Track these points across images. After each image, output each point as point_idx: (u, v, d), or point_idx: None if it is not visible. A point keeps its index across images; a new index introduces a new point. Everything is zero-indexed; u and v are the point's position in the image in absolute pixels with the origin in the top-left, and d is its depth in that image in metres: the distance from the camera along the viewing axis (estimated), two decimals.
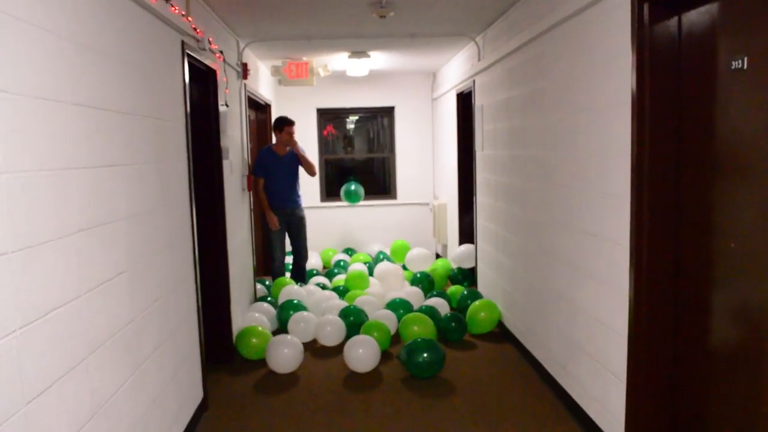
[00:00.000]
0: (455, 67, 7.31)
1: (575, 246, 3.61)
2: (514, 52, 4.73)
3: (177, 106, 3.64)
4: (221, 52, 4.81)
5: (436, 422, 3.68)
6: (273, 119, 6.62)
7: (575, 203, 3.59)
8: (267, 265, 7.28)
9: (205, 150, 4.64)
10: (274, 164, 6.26)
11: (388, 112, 9.24)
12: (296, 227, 6.50)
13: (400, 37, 5.86)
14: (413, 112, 9.12)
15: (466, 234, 7.05)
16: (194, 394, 3.76)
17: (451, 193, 7.76)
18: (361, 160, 9.62)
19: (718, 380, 2.59)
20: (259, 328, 4.82)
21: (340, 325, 5.02)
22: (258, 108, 7.61)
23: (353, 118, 9.54)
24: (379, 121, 9.47)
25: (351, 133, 9.64)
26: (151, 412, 2.96)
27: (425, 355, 4.32)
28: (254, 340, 4.69)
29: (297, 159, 6.45)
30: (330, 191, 9.29)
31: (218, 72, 4.70)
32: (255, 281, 6.11)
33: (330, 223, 8.96)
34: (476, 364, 4.68)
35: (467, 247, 6.69)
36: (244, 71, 5.71)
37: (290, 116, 6.61)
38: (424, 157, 9.17)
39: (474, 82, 6.16)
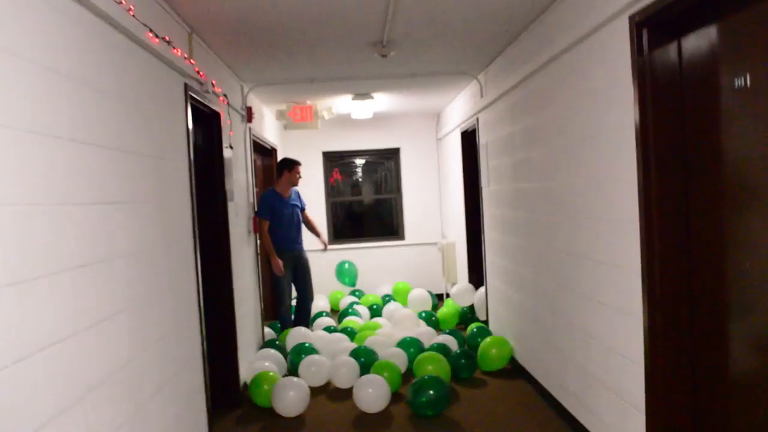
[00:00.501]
0: (458, 106, 7.34)
1: (586, 275, 3.54)
2: (515, 87, 4.75)
3: (180, 146, 3.64)
4: (225, 95, 4.84)
5: None
6: (279, 160, 6.58)
7: (583, 231, 3.54)
8: (274, 310, 7.23)
9: (209, 191, 4.63)
10: (280, 206, 6.21)
11: (394, 153, 9.28)
12: (303, 269, 6.44)
13: (402, 77, 5.90)
14: (418, 152, 9.15)
15: (476, 272, 6.97)
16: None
17: (458, 231, 7.72)
18: (368, 203, 9.61)
19: (739, 410, 2.49)
20: (271, 373, 4.69)
21: (354, 366, 4.88)
22: (263, 153, 7.64)
23: (360, 162, 9.56)
24: (385, 165, 9.49)
25: (358, 178, 9.64)
26: None
27: (430, 392, 4.22)
28: (266, 386, 4.55)
29: (299, 201, 6.50)
30: (337, 234, 9.27)
31: (222, 114, 4.73)
32: (263, 325, 6.04)
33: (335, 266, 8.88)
34: (488, 400, 4.56)
35: (465, 284, 6.73)
36: (248, 114, 5.75)
37: (295, 157, 6.71)
38: (430, 197, 9.16)
39: (477, 119, 6.17)
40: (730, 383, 2.53)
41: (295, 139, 8.80)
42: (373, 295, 8.06)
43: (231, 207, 4.85)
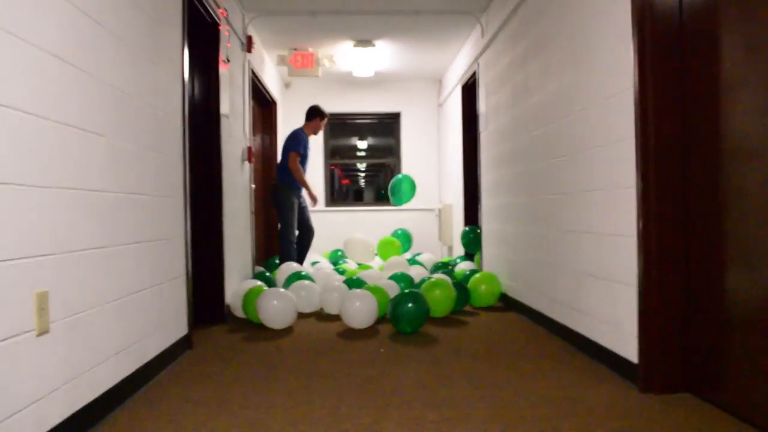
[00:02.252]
0: (460, 60, 7.31)
1: (580, 198, 3.48)
2: (514, 11, 4.71)
3: (173, 55, 3.58)
4: (225, 10, 4.80)
5: (441, 360, 3.44)
6: (312, 106, 6.68)
7: (580, 158, 3.48)
8: (270, 251, 7.25)
9: (203, 107, 4.61)
10: (305, 147, 6.45)
11: (394, 118, 9.23)
12: (304, 207, 6.60)
13: (405, 13, 5.87)
14: (419, 118, 9.10)
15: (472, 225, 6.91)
16: (178, 326, 3.60)
17: (457, 193, 7.65)
18: (370, 170, 9.58)
19: (734, 286, 2.42)
20: (261, 288, 4.58)
21: (345, 292, 4.77)
22: (262, 103, 7.61)
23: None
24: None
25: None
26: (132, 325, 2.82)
27: (409, 305, 4.11)
28: (255, 300, 4.45)
29: None
30: (334, 198, 9.22)
31: (221, 28, 4.68)
32: (254, 257, 5.98)
33: (334, 228, 8.80)
34: (480, 325, 4.47)
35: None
36: (248, 44, 5.71)
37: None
38: (430, 163, 9.10)
39: (478, 65, 6.13)
40: (725, 251, 2.46)
41: (295, 97, 8.76)
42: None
43: (224, 125, 4.80)
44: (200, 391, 2.88)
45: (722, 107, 2.45)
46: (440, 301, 4.54)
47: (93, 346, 2.45)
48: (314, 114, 6.57)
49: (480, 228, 6.26)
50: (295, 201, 6.36)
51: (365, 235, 7.69)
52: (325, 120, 6.65)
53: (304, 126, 6.57)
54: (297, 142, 6.34)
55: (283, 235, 6.29)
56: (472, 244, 6.52)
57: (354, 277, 5.15)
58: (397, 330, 4.19)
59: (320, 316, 4.91)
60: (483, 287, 5.13)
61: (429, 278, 4.89)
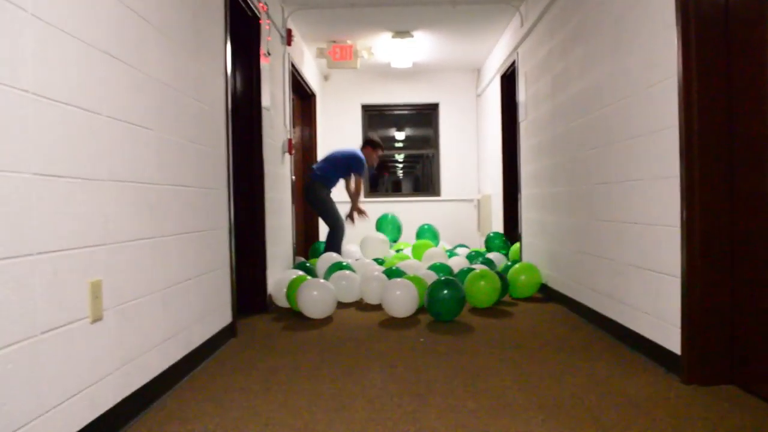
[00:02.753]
0: (499, 50, 7.26)
1: (621, 188, 3.44)
2: (553, 1, 4.66)
3: (216, 49, 3.65)
4: (266, 4, 4.86)
5: (481, 350, 3.46)
6: (366, 137, 7.15)
7: (621, 147, 3.44)
8: (310, 242, 7.37)
9: (245, 100, 4.68)
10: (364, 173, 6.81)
11: (433, 109, 9.22)
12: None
13: (443, 4, 5.86)
14: (458, 108, 9.08)
15: (511, 222, 6.88)
16: (223, 315, 3.69)
17: (496, 184, 7.62)
18: (408, 162, 9.59)
19: None
20: (304, 277, 4.65)
21: (385, 282, 4.76)
22: (302, 96, 7.68)
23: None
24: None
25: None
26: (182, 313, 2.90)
27: (445, 291, 4.17)
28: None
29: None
30: (372, 186, 9.26)
31: (261, 22, 4.75)
32: (295, 246, 6.06)
33: (372, 220, 8.82)
34: (520, 315, 4.46)
35: None
36: (288, 36, 5.76)
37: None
38: (469, 154, 9.07)
39: (517, 54, 6.09)
40: None
41: (334, 89, 8.83)
42: (404, 243, 7.92)
43: (266, 118, 4.87)
44: (244, 378, 2.96)
45: None
46: (486, 292, 4.54)
47: (143, 333, 2.54)
48: (378, 145, 6.78)
49: (519, 223, 6.23)
50: (323, 195, 6.49)
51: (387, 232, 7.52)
52: (379, 150, 6.81)
53: (367, 152, 6.75)
54: (363, 166, 6.58)
55: (335, 227, 6.41)
56: (498, 247, 6.63)
57: (393, 268, 5.18)
58: (434, 317, 4.24)
59: (360, 305, 4.97)
60: (523, 277, 5.11)
61: (472, 269, 4.89)
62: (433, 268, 5.32)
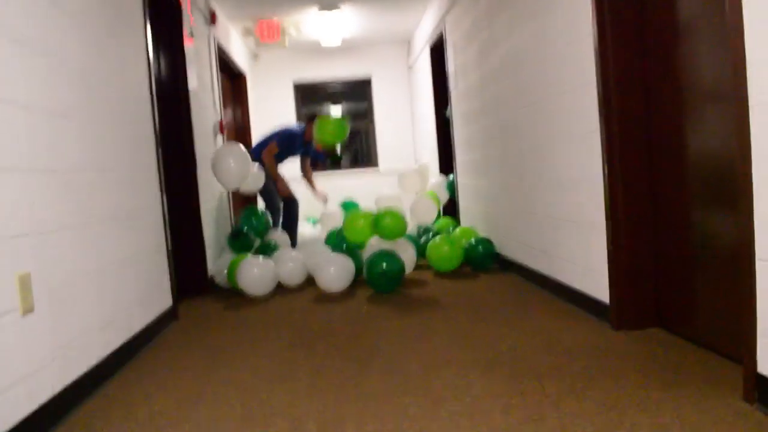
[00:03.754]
0: (427, 23, 7.30)
1: (549, 146, 3.54)
2: None
3: (135, 33, 3.56)
4: None
5: (418, 311, 3.53)
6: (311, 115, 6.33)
7: (547, 106, 3.53)
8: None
9: (171, 84, 4.59)
10: (295, 147, 6.11)
11: (366, 83, 9.22)
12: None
13: None
14: (390, 81, 9.11)
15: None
16: (163, 298, 3.66)
17: (432, 153, 7.69)
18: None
19: (698, 223, 2.51)
20: (249, 255, 4.60)
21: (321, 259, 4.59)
22: (231, 75, 7.57)
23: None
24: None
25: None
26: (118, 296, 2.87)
27: (384, 264, 4.17)
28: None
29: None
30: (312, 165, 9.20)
31: (182, 2, 4.65)
32: (233, 226, 5.99)
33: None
34: (458, 276, 4.56)
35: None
36: (212, 17, 5.66)
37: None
38: (404, 125, 9.13)
39: (445, 24, 6.14)
40: (688, 189, 2.55)
41: (264, 68, 8.73)
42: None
43: (194, 100, 4.79)
44: (187, 359, 2.95)
45: (680, 52, 2.52)
46: (448, 257, 4.73)
47: (79, 321, 2.51)
48: (311, 119, 6.09)
49: (456, 189, 6.33)
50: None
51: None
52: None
53: (307, 127, 6.08)
54: (280, 138, 5.95)
55: (272, 204, 5.98)
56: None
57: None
58: (373, 288, 4.27)
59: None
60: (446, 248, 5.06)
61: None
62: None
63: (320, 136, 5.46)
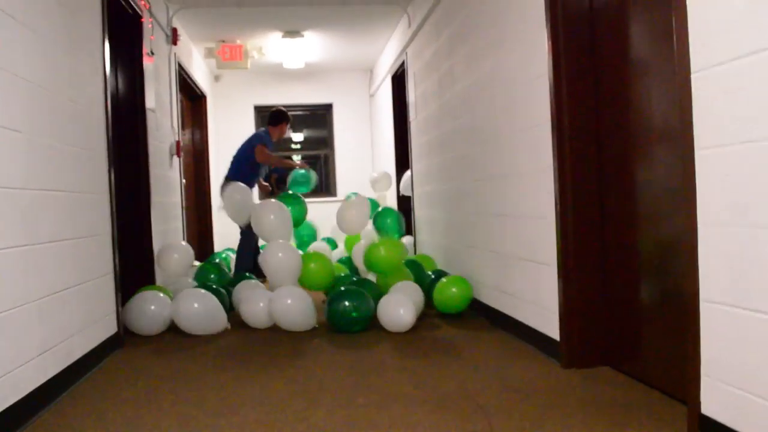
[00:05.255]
0: (389, 51, 7.37)
1: (504, 182, 3.58)
2: (438, 2, 4.80)
3: (93, 50, 3.50)
4: (148, 2, 4.71)
5: (368, 345, 3.50)
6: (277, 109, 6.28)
7: (503, 142, 3.57)
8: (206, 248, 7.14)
9: (127, 102, 4.52)
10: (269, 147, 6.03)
11: (327, 109, 9.24)
12: None
13: (332, 4, 5.88)
14: (351, 109, 9.16)
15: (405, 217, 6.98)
16: (108, 325, 3.54)
17: (389, 184, 7.68)
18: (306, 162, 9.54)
19: (644, 267, 2.55)
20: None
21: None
22: (192, 97, 7.50)
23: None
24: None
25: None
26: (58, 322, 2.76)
27: (346, 303, 3.85)
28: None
29: None
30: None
31: (143, 20, 4.59)
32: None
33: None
34: None
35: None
36: (173, 36, 5.61)
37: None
38: (363, 154, 9.15)
39: (407, 54, 6.20)
40: (637, 239, 2.60)
41: (225, 90, 8.68)
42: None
43: (151, 120, 4.71)
44: (129, 389, 2.85)
45: (632, 89, 2.57)
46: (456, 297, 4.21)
47: (15, 347, 2.40)
48: (281, 118, 6.12)
49: (412, 220, 6.34)
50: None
51: None
52: (289, 124, 6.23)
53: (269, 129, 6.09)
54: (266, 137, 5.98)
55: (242, 243, 5.81)
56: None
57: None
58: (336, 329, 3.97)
59: None
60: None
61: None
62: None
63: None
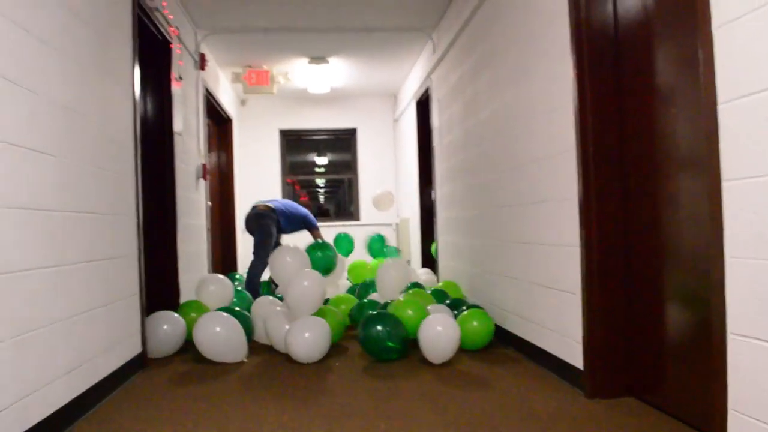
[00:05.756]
0: (414, 77, 7.43)
1: (527, 210, 3.58)
2: (463, 29, 4.83)
3: (122, 76, 3.58)
4: (177, 28, 4.81)
5: (389, 371, 3.49)
6: None
7: (527, 170, 3.58)
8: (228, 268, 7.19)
9: (156, 125, 4.61)
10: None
11: (351, 134, 9.31)
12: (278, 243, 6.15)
13: (357, 31, 5.96)
14: (375, 134, 9.20)
15: (428, 242, 6.99)
16: (132, 345, 3.58)
17: (413, 207, 7.72)
18: (328, 186, 9.62)
19: (671, 293, 2.53)
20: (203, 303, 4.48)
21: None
22: (219, 121, 7.61)
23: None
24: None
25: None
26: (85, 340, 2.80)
27: (379, 327, 3.75)
28: (193, 315, 4.26)
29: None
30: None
31: (172, 46, 4.69)
32: (210, 273, 5.94)
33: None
34: None
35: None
36: (201, 61, 5.72)
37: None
38: (387, 178, 9.18)
39: (431, 80, 6.25)
40: (663, 267, 2.58)
41: (251, 114, 8.80)
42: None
43: (178, 143, 4.79)
44: (152, 410, 2.87)
45: (657, 118, 2.57)
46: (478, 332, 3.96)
47: (43, 365, 2.44)
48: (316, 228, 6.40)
49: (436, 245, 6.34)
50: (275, 232, 5.92)
51: None
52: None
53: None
54: (314, 222, 6.33)
55: (255, 264, 5.76)
56: None
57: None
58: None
59: None
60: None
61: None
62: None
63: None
